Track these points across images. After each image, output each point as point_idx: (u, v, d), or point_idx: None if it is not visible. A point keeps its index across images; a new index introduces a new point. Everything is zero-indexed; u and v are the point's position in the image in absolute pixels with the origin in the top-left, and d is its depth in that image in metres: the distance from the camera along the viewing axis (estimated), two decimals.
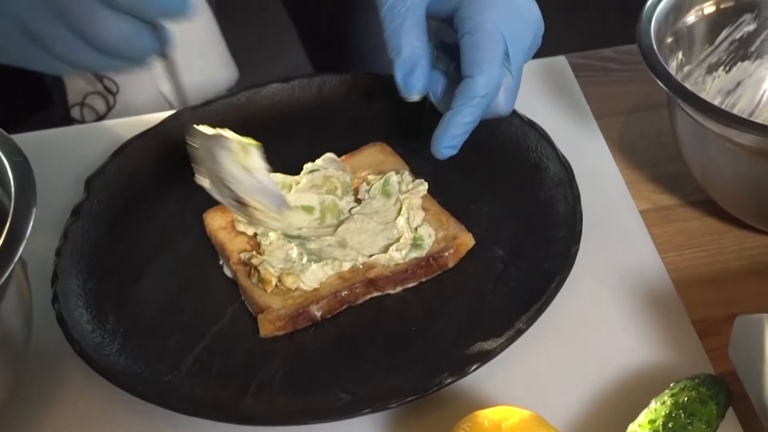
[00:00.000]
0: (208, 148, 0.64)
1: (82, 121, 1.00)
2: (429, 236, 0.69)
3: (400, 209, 0.70)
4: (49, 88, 1.09)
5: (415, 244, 0.68)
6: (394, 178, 0.73)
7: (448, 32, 0.70)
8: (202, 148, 0.64)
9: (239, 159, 0.64)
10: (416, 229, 0.69)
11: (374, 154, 0.76)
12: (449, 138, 0.67)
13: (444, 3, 0.68)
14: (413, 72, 0.67)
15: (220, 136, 0.64)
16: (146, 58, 0.58)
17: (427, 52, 0.67)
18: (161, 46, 0.57)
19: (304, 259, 0.67)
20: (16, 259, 0.53)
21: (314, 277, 0.66)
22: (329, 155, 0.74)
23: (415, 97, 0.68)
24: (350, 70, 0.83)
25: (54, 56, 0.56)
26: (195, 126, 0.64)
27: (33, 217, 0.56)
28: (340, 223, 0.70)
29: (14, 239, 0.54)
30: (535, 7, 0.69)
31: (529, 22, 0.69)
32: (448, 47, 0.70)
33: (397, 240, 0.68)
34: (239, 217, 0.70)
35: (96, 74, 1.00)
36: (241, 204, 0.65)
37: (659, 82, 0.66)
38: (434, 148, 0.67)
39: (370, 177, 0.73)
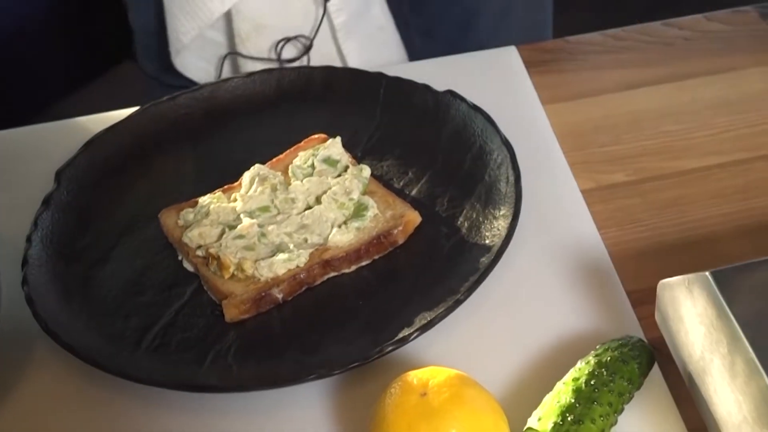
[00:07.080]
0: None
1: None
2: (372, 206, 0.72)
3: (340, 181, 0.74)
4: None
5: (358, 213, 0.72)
6: (333, 149, 0.76)
7: None
8: None
9: None
10: (356, 198, 0.73)
11: (317, 144, 0.78)
12: None
13: None
14: None
15: None
16: None
17: None
18: None
19: (267, 249, 0.70)
20: None
21: (271, 268, 0.69)
22: (257, 166, 0.76)
23: None
24: None
25: None
26: None
27: None
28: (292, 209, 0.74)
29: None
30: None
31: None
32: None
33: (342, 210, 0.72)
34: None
35: None
36: None
37: None
38: None
39: (302, 153, 0.77)
